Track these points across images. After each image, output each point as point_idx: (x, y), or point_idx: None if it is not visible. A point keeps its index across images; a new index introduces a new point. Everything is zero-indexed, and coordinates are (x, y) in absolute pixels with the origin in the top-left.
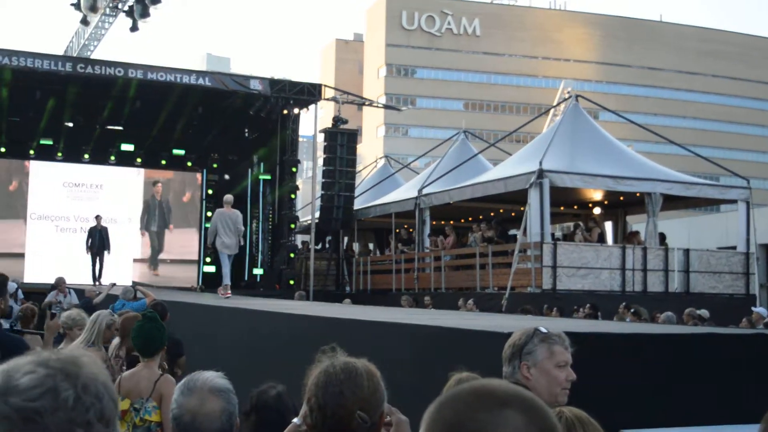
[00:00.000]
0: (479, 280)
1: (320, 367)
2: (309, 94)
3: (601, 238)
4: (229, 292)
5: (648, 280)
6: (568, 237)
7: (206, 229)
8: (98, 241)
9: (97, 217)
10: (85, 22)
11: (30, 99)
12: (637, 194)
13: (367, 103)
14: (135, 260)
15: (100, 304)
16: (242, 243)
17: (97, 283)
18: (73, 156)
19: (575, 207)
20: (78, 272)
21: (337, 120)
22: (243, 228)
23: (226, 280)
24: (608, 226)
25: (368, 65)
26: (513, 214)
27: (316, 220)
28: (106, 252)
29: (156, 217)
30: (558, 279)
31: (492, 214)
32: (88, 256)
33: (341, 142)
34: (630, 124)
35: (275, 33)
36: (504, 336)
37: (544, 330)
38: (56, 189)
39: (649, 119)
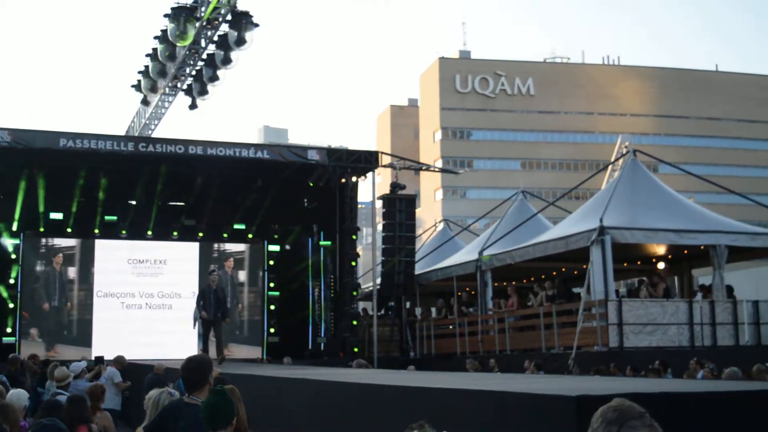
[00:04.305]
0: (544, 340)
1: None
2: (366, 161)
3: (667, 293)
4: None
5: (717, 334)
6: (632, 293)
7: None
8: (213, 305)
9: (212, 273)
10: (145, 102)
11: (94, 179)
12: (702, 247)
13: (424, 167)
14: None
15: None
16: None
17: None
18: (136, 233)
19: (639, 262)
20: (145, 348)
21: (395, 186)
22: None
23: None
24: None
25: (424, 129)
26: (576, 272)
27: (378, 287)
28: (221, 319)
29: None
30: (625, 336)
31: (554, 273)
32: (195, 327)
33: (400, 207)
34: (690, 175)
35: (331, 102)
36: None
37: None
38: (121, 266)
39: (709, 170)
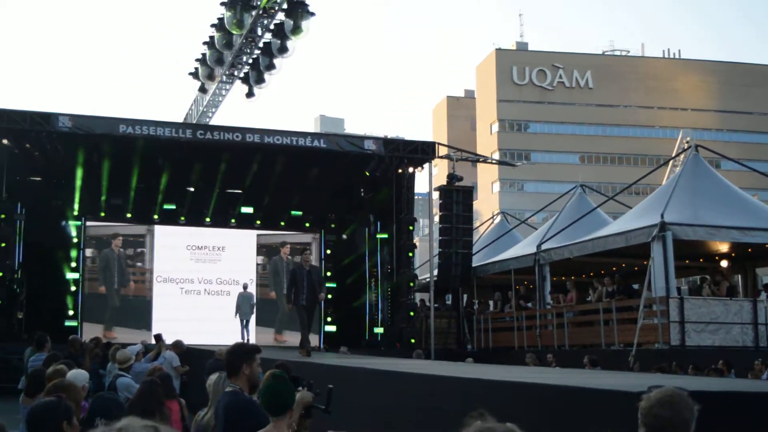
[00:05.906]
0: (604, 336)
1: (476, 428)
2: (423, 152)
3: (730, 292)
4: None
5: None
6: (694, 291)
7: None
8: (307, 288)
9: (305, 252)
10: (203, 90)
11: (153, 165)
12: (766, 245)
13: (481, 159)
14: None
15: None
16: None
17: (303, 351)
18: (194, 219)
19: (701, 260)
20: (204, 333)
21: (452, 177)
22: (254, 303)
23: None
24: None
25: (480, 121)
26: (636, 268)
27: (435, 278)
28: (317, 304)
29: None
30: (687, 335)
31: (614, 268)
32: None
33: (457, 199)
34: (753, 172)
35: (387, 92)
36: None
37: None
38: (180, 252)
39: None
